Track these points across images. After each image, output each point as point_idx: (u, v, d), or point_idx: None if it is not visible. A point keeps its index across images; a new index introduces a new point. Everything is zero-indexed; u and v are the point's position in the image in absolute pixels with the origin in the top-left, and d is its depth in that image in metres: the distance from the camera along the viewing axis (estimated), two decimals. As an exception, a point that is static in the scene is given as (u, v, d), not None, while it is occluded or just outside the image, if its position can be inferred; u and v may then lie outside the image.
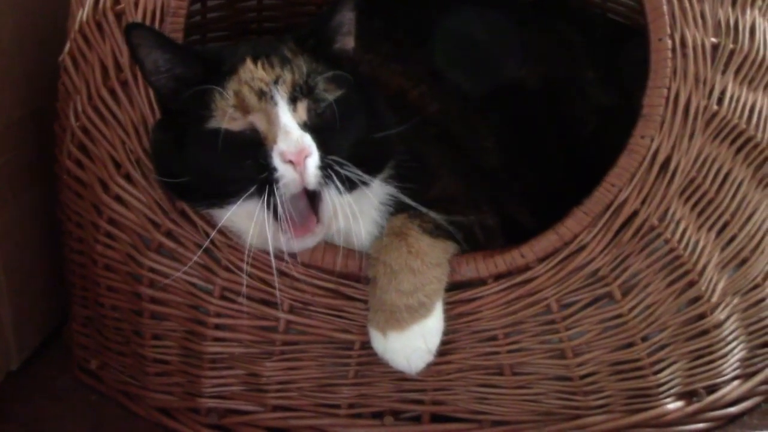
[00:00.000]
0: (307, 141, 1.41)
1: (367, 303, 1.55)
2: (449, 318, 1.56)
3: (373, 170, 1.50)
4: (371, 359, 1.59)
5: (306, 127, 1.42)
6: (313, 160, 1.41)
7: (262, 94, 1.42)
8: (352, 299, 1.57)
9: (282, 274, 1.57)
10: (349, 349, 1.61)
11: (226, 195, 1.44)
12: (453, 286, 1.56)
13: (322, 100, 1.44)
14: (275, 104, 1.41)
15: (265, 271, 1.57)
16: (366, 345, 1.57)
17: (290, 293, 1.58)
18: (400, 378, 1.61)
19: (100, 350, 1.79)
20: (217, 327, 1.63)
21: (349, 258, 1.56)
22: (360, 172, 1.44)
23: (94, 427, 1.73)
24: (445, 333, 1.56)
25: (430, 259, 1.53)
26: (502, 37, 1.88)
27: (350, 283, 1.57)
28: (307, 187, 1.42)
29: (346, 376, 1.62)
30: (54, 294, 1.93)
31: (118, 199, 1.63)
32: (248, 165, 1.42)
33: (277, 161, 1.40)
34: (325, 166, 1.42)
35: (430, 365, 1.55)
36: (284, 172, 1.40)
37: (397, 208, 1.55)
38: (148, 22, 1.57)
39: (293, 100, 1.42)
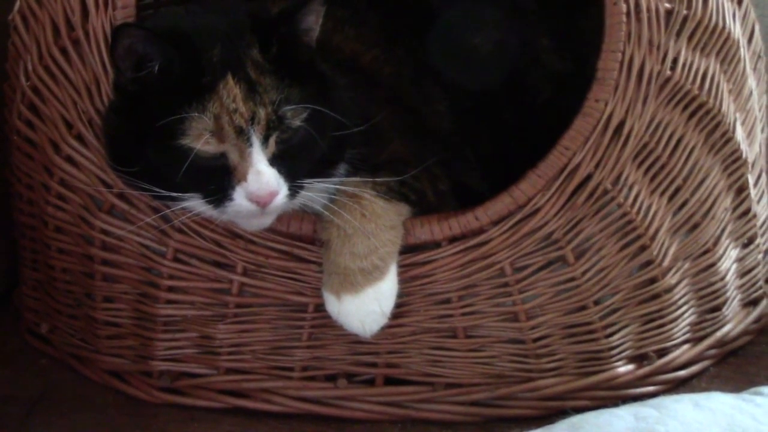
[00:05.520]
0: (277, 182, 1.41)
1: (321, 265, 1.55)
2: (403, 281, 1.56)
3: (334, 164, 1.52)
4: (325, 322, 1.59)
5: (274, 159, 1.42)
6: (281, 197, 1.42)
7: (240, 132, 1.40)
8: (306, 261, 1.57)
9: (235, 235, 1.57)
10: (303, 312, 1.61)
11: (179, 199, 1.44)
12: (407, 249, 1.56)
13: (290, 128, 1.43)
14: (250, 145, 1.41)
15: (219, 233, 1.57)
16: (320, 308, 1.57)
17: (244, 255, 1.57)
18: (354, 341, 1.61)
19: (50, 313, 1.77)
20: (170, 289, 1.62)
21: (303, 220, 1.55)
22: (322, 178, 1.48)
23: (43, 390, 1.71)
24: (399, 296, 1.56)
25: (383, 222, 1.53)
26: (457, 4, 1.87)
27: (304, 246, 1.57)
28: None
29: (300, 338, 1.62)
30: (3, 257, 1.91)
31: (70, 159, 1.61)
32: (211, 189, 1.42)
33: (240, 196, 1.41)
34: (290, 193, 1.43)
35: (384, 328, 1.55)
36: (247, 206, 1.41)
37: (350, 170, 1.55)
38: (101, -17, 1.56)
39: (266, 138, 1.41)
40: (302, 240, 1.56)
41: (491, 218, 1.56)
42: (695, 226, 1.67)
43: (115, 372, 1.70)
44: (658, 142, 1.59)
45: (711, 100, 1.63)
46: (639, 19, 1.55)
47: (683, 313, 1.70)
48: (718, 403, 1.41)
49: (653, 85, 1.56)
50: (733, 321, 1.78)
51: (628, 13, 1.54)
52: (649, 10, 1.55)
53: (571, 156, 1.55)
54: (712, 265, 1.71)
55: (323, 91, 1.48)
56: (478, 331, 1.62)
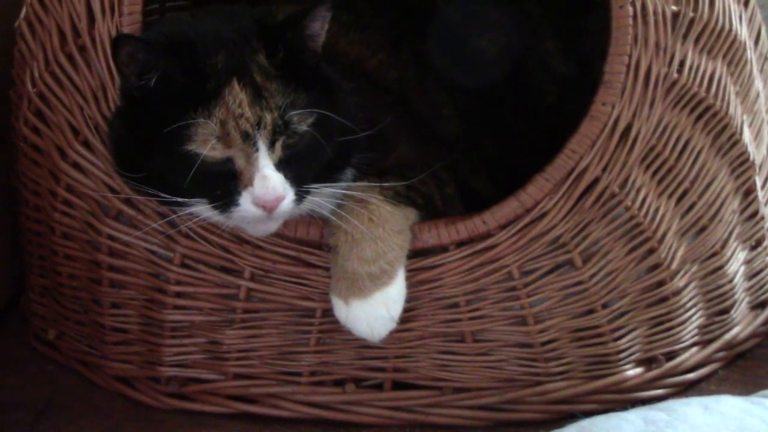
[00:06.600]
0: (283, 187, 1.41)
1: (329, 270, 1.55)
2: (411, 285, 1.56)
3: (341, 169, 1.51)
4: (333, 327, 1.58)
5: (281, 164, 1.42)
6: (287, 202, 1.42)
7: (246, 137, 1.40)
8: (314, 266, 1.57)
9: (243, 241, 1.57)
10: (311, 317, 1.60)
11: (186, 204, 1.44)
12: (415, 253, 1.56)
13: (296, 133, 1.43)
14: (256, 150, 1.40)
15: (226, 238, 1.56)
16: (327, 312, 1.57)
17: (251, 260, 1.57)
18: (362, 345, 1.60)
19: (57, 320, 1.77)
20: (178, 295, 1.62)
21: (310, 225, 1.55)
22: (328, 183, 1.47)
23: (51, 397, 1.71)
24: (407, 300, 1.56)
25: (391, 227, 1.53)
26: (462, 7, 1.87)
27: (311, 250, 1.56)
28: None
29: (308, 343, 1.62)
30: (10, 264, 1.91)
31: (76, 166, 1.61)
32: (217, 194, 1.42)
33: (246, 201, 1.41)
34: (297, 198, 1.43)
35: (392, 332, 1.54)
36: (254, 211, 1.41)
37: (356, 175, 1.55)
38: (105, -12, 1.56)
39: (272, 143, 1.41)
40: (310, 245, 1.56)
41: (499, 222, 1.56)
42: (703, 229, 1.66)
43: (123, 378, 1.70)
44: (665, 145, 1.59)
45: (718, 103, 1.63)
46: (645, 22, 1.55)
47: (691, 316, 1.70)
48: (727, 406, 1.40)
49: (660, 88, 1.56)
50: (742, 324, 1.78)
51: (634, 17, 1.54)
52: (655, 13, 1.55)
53: (579, 159, 1.55)
54: (720, 267, 1.71)
55: (329, 95, 1.48)
56: (486, 335, 1.62)
